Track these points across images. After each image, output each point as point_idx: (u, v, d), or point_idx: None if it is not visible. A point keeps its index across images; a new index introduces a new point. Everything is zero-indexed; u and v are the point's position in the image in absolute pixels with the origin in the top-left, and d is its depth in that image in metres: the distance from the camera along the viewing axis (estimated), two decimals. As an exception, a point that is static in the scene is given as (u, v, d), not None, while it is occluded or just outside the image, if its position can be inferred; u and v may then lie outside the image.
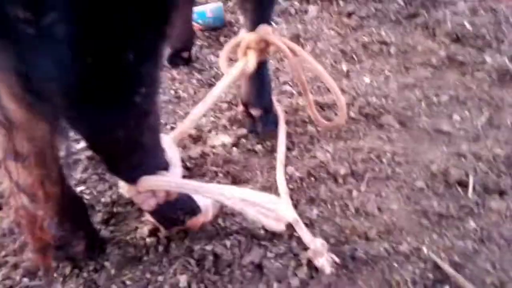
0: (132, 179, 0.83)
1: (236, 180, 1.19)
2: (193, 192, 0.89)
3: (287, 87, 1.57)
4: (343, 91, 1.48)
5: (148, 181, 0.82)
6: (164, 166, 0.86)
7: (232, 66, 1.18)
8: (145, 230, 1.02)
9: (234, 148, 1.29)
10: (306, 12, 2.10)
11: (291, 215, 0.93)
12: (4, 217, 1.08)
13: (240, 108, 1.33)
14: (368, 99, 1.44)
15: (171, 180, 0.84)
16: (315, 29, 1.95)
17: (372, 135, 1.32)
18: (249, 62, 1.14)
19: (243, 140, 1.32)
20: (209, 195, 0.86)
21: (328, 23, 2.00)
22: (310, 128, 1.35)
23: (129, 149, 0.75)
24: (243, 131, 1.35)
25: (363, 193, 1.11)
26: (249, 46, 1.14)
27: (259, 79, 1.25)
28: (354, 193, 1.11)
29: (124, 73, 0.61)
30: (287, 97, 1.52)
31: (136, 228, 1.05)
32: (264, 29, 1.13)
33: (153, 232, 1.02)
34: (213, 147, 1.29)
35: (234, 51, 1.19)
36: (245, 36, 1.14)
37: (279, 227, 0.91)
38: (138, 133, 0.73)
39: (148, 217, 1.01)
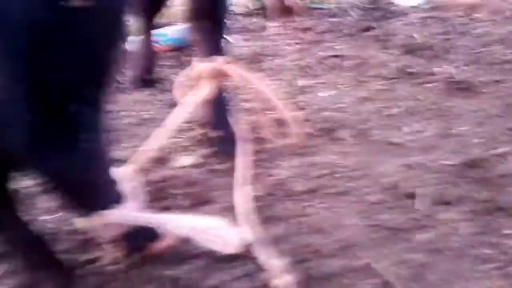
0: (88, 214, 0.85)
1: (196, 202, 1.21)
2: (144, 224, 0.91)
3: (248, 104, 1.61)
4: (299, 107, 1.53)
5: (102, 216, 0.85)
6: (117, 199, 0.88)
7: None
8: (105, 259, 1.04)
9: (195, 169, 1.32)
10: (265, 28, 2.16)
11: (239, 239, 0.96)
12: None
13: (200, 129, 1.37)
14: (323, 114, 1.49)
15: (124, 214, 0.86)
16: (272, 45, 2.01)
17: (327, 150, 1.37)
18: (204, 90, 1.17)
19: (204, 161, 1.35)
20: (158, 225, 0.88)
21: (286, 39, 2.06)
22: (269, 145, 1.39)
23: (79, 188, 0.77)
24: (204, 151, 1.38)
25: (317, 210, 1.16)
26: (203, 75, 1.18)
27: (218, 103, 1.29)
28: (309, 209, 1.15)
29: (67, 122, 0.64)
30: (250, 114, 1.55)
31: (97, 257, 1.06)
32: (217, 59, 1.17)
33: (114, 261, 1.03)
34: (174, 169, 1.32)
35: (189, 79, 1.22)
36: (199, 66, 1.17)
37: (229, 251, 0.94)
38: (88, 174, 0.76)
39: (107, 245, 1.03)
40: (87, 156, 0.72)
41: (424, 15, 2.20)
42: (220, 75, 1.19)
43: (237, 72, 1.18)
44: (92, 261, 1.05)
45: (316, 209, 1.16)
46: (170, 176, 1.28)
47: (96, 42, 0.59)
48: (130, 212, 0.89)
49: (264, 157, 1.35)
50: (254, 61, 1.86)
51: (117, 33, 0.63)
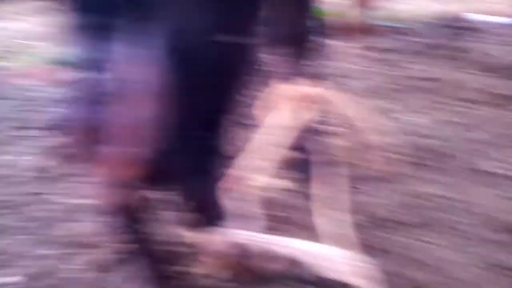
0: (198, 231, 0.90)
1: (283, 224, 1.22)
2: (261, 244, 0.93)
3: (321, 127, 1.60)
4: (380, 130, 1.51)
5: (213, 233, 0.88)
6: (224, 216, 0.92)
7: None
8: (200, 272, 1.07)
9: (285, 192, 1.33)
10: (328, 48, 2.13)
11: (353, 268, 0.95)
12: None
13: (288, 152, 1.38)
14: (405, 138, 1.46)
15: (236, 233, 0.89)
16: (343, 65, 1.98)
17: (417, 177, 1.34)
18: (288, 113, 1.18)
19: (293, 184, 1.36)
20: (278, 249, 0.90)
21: (356, 59, 2.03)
22: (355, 170, 1.38)
23: (203, 207, 0.83)
24: (291, 175, 1.39)
25: (419, 242, 1.13)
26: (288, 97, 1.19)
27: (306, 125, 1.29)
28: (405, 240, 1.13)
29: (207, 151, 0.69)
30: (327, 137, 1.55)
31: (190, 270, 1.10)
32: (301, 82, 1.18)
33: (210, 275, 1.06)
34: (262, 190, 1.33)
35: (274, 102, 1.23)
36: (283, 89, 1.19)
37: (341, 279, 0.93)
38: (214, 195, 0.80)
39: (206, 259, 1.06)
40: (215, 178, 0.76)
41: (500, 31, 2.12)
42: (306, 97, 1.19)
43: (323, 94, 1.18)
44: (194, 274, 1.09)
45: (417, 241, 1.13)
46: (256, 197, 1.30)
47: (235, 73, 0.62)
48: (247, 232, 0.91)
49: (352, 183, 1.34)
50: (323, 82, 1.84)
51: (253, 67, 0.66)
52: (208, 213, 0.88)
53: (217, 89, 0.64)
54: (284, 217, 1.24)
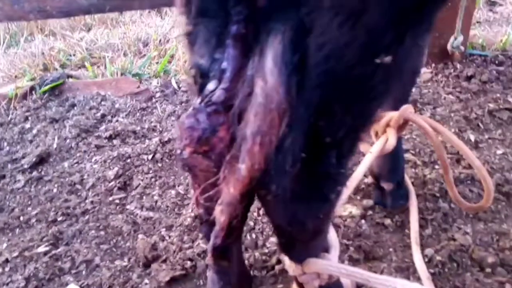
0: (300, 260, 0.85)
1: (368, 257, 1.16)
2: (362, 281, 0.87)
3: (410, 156, 1.53)
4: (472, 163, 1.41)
5: (317, 265, 0.84)
6: (326, 247, 0.87)
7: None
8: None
9: (363, 221, 1.27)
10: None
11: None
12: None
13: (370, 179, 1.32)
14: (505, 174, 1.36)
15: (341, 267, 0.84)
16: (431, 93, 1.91)
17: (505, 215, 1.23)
18: (390, 140, 1.12)
19: (371, 212, 1.30)
20: (379, 287, 0.84)
21: (445, 87, 1.95)
22: (442, 204, 1.29)
23: (310, 236, 0.78)
24: (370, 202, 1.32)
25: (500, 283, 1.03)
26: (389, 124, 1.13)
27: (394, 154, 1.23)
28: (508, 286, 1.03)
29: (328, 175, 0.64)
30: (411, 167, 1.47)
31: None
32: (406, 109, 1.12)
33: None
34: (342, 217, 1.28)
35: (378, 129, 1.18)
36: (386, 115, 1.13)
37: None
38: (323, 223, 0.76)
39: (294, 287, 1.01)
40: (332, 206, 0.72)
41: None
42: (405, 123, 1.13)
43: (427, 121, 1.11)
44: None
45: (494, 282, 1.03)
46: (340, 225, 1.24)
47: (379, 96, 0.58)
48: (350, 267, 0.86)
49: (439, 217, 1.25)
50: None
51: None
52: (314, 242, 0.84)
53: (359, 109, 0.60)
54: (361, 246, 1.18)
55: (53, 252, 1.32)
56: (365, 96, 0.56)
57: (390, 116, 1.13)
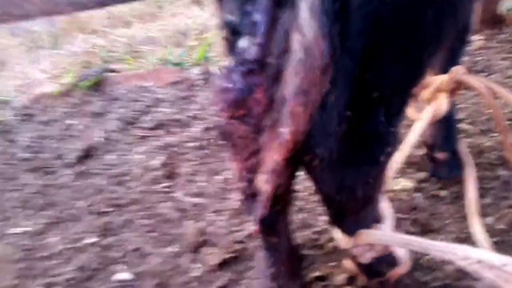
0: (352, 232, 0.83)
1: (425, 229, 1.14)
2: (419, 249, 0.85)
3: (464, 126, 1.47)
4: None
5: (370, 235, 0.82)
6: (378, 218, 0.85)
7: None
8: (341, 277, 1.02)
9: (417, 194, 1.24)
10: (470, 42, 1.99)
11: None
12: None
13: (423, 150, 1.28)
14: None
15: (396, 236, 0.82)
16: (485, 60, 1.83)
17: None
18: (442, 105, 1.09)
19: (425, 185, 1.27)
20: (439, 255, 0.81)
21: (499, 53, 1.86)
22: (501, 172, 1.24)
23: (361, 205, 0.76)
24: (423, 174, 1.29)
25: None
26: (440, 88, 1.10)
27: (447, 121, 1.19)
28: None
29: (377, 135, 0.62)
30: (466, 136, 1.42)
31: (329, 274, 1.05)
32: (457, 70, 1.08)
33: (351, 281, 1.01)
34: (395, 192, 1.25)
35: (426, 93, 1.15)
36: (436, 78, 1.09)
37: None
38: (374, 190, 0.74)
39: (346, 263, 1.00)
40: (382, 170, 0.69)
41: None
42: (458, 86, 1.09)
43: (482, 82, 1.07)
44: (324, 277, 1.05)
45: None
46: (393, 199, 1.22)
47: (434, 39, 0.55)
48: (405, 236, 0.84)
49: (499, 185, 1.20)
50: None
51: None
52: (365, 211, 0.82)
53: (409, 58, 0.56)
54: (417, 219, 1.15)
55: (103, 242, 1.36)
56: (415, 41, 0.53)
57: (441, 79, 1.09)
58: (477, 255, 0.76)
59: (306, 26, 0.47)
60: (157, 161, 1.64)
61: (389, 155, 0.67)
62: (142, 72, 2.16)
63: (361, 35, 0.50)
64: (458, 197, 1.20)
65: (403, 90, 0.60)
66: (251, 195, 0.75)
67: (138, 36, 2.67)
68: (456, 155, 1.24)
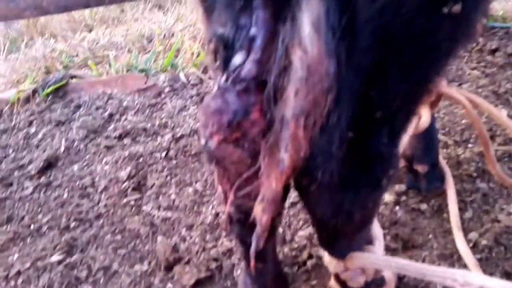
0: (342, 255, 0.78)
1: (407, 245, 1.11)
2: (416, 275, 0.81)
3: (440, 136, 1.46)
4: (510, 141, 1.35)
5: (362, 259, 0.77)
6: (370, 239, 0.81)
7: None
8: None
9: (397, 207, 1.21)
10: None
11: None
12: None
13: (402, 163, 1.25)
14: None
15: (390, 260, 0.77)
16: (454, 69, 1.83)
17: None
18: (424, 117, 1.06)
19: (405, 198, 1.24)
20: (438, 280, 0.77)
21: (469, 62, 1.87)
22: (480, 184, 1.23)
23: (357, 228, 0.71)
24: (403, 187, 1.26)
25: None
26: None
27: (428, 133, 1.17)
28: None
29: (380, 156, 0.58)
30: (442, 147, 1.41)
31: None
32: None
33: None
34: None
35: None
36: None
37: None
38: (372, 213, 0.69)
39: (332, 284, 0.95)
40: (381, 193, 0.65)
41: None
42: (439, 98, 1.07)
43: (463, 94, 1.05)
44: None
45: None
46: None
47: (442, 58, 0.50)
48: (400, 260, 0.79)
49: (479, 198, 1.19)
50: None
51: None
52: (359, 234, 0.77)
53: (418, 74, 0.52)
54: (398, 234, 1.12)
55: (68, 260, 1.28)
56: (426, 57, 0.49)
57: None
58: (478, 281, 0.73)
59: (308, 42, 0.43)
60: (124, 172, 1.55)
61: (390, 178, 0.62)
62: (106, 78, 2.06)
63: (368, 51, 0.46)
64: (439, 211, 1.17)
65: (409, 108, 0.56)
66: (239, 222, 0.69)
67: (101, 41, 2.56)
68: (436, 168, 1.21)
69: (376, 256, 0.78)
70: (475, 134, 1.42)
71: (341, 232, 0.73)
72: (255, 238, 0.57)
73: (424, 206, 1.20)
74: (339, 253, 0.80)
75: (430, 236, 1.12)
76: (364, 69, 0.47)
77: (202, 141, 0.51)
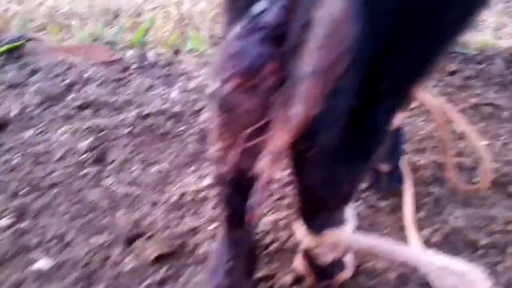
0: (319, 231, 0.88)
1: (366, 237, 1.23)
2: (384, 254, 0.92)
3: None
4: (462, 153, 1.53)
5: (338, 235, 0.87)
6: (343, 220, 0.91)
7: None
8: (287, 278, 1.07)
9: (358, 203, 1.33)
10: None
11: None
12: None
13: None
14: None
15: (365, 239, 0.88)
16: (418, 85, 2.01)
17: (502, 205, 1.34)
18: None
19: (365, 195, 1.37)
20: (403, 259, 0.89)
21: (431, 80, 2.06)
22: (433, 189, 1.39)
23: (340, 202, 0.80)
24: (364, 185, 1.40)
25: (510, 268, 1.13)
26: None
27: (395, 135, 1.30)
28: (499, 267, 1.13)
29: (375, 131, 0.67)
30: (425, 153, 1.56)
31: (274, 275, 1.10)
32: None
33: (297, 282, 1.06)
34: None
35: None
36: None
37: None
38: (355, 188, 0.79)
39: (297, 263, 1.05)
40: (368, 168, 0.74)
41: None
42: (411, 100, 1.21)
43: (432, 101, 1.19)
44: (273, 277, 1.09)
45: (508, 268, 1.14)
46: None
47: (445, 31, 0.58)
48: (374, 239, 0.90)
49: (431, 201, 1.35)
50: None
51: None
52: (339, 210, 0.86)
53: (429, 45, 0.60)
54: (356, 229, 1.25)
55: (17, 226, 1.29)
56: (440, 31, 0.55)
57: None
58: (440, 262, 0.86)
59: (333, 2, 0.45)
60: (83, 144, 1.57)
61: (378, 155, 0.73)
62: (68, 45, 2.05)
63: (389, 16, 0.51)
64: (396, 209, 1.31)
65: (409, 85, 0.65)
66: (231, 183, 0.76)
67: (61, 9, 2.52)
68: (397, 169, 1.36)
69: (350, 234, 0.89)
70: (432, 144, 1.59)
71: (325, 205, 0.83)
72: (255, 193, 0.59)
73: (382, 204, 1.34)
74: (317, 228, 0.89)
75: (386, 231, 1.25)
76: (381, 35, 0.52)
77: (216, 85, 0.51)
